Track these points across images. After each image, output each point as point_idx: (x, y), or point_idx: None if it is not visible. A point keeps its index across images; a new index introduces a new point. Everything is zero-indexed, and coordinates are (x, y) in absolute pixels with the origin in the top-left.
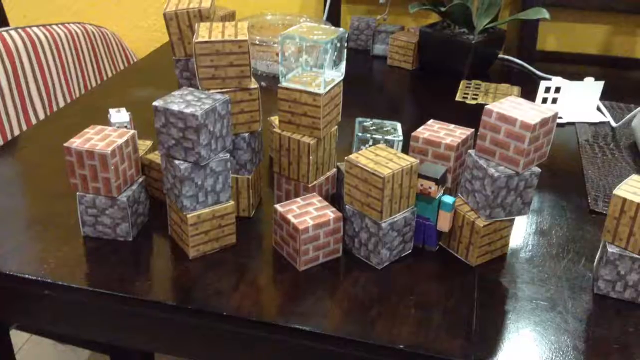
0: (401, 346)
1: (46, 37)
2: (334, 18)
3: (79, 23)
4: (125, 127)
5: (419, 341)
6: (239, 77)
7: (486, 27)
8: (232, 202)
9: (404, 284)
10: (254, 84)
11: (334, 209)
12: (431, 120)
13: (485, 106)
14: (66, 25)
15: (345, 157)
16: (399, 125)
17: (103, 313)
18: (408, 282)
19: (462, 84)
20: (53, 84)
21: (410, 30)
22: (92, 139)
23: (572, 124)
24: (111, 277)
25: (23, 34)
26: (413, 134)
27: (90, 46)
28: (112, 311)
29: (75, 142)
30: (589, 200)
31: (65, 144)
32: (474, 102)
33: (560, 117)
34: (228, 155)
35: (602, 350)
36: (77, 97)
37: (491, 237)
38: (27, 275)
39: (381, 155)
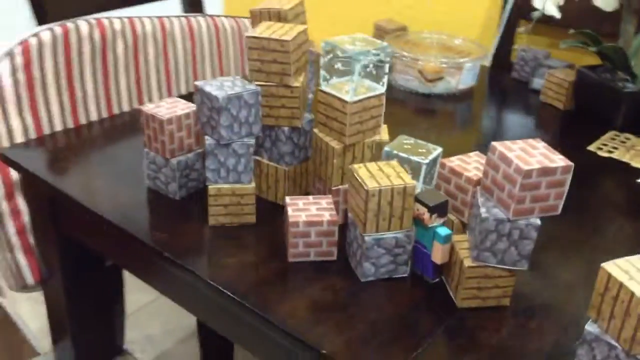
0: (324, 351)
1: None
2: (504, 47)
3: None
4: None
5: (340, 350)
6: (281, 74)
7: None
8: (253, 185)
9: (373, 300)
10: (297, 83)
11: (334, 213)
12: (475, 152)
13: (492, 142)
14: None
15: (350, 165)
16: (438, 150)
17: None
18: (379, 300)
19: (609, 134)
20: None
21: (571, 68)
22: (162, 107)
23: None
24: (152, 224)
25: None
26: (442, 160)
27: None
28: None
29: (147, 106)
30: None
31: (138, 106)
32: (606, 154)
33: None
34: (252, 141)
35: None
36: None
37: (481, 282)
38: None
39: (385, 171)
